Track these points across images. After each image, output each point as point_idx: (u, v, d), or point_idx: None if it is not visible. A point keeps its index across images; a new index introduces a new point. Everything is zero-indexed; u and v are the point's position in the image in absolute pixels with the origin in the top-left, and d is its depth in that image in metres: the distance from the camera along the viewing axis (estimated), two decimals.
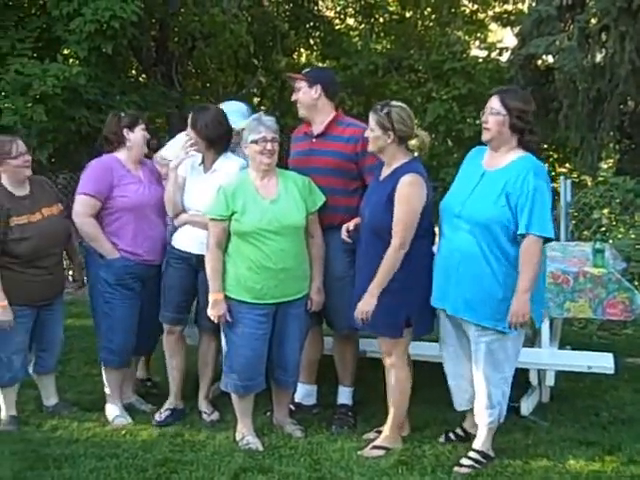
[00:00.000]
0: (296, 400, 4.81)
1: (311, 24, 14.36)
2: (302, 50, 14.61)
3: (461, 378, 4.16)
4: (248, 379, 4.26)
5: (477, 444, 4.08)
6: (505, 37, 14.85)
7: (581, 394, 5.11)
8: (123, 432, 4.51)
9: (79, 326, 6.61)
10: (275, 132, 4.23)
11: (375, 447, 4.22)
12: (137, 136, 4.65)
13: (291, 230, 4.19)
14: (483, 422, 4.04)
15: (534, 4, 11.47)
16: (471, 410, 4.18)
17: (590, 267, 4.84)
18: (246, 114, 4.85)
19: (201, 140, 4.49)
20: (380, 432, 4.32)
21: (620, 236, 8.09)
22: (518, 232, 3.77)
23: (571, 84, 10.36)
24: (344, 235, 4.29)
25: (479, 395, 4.00)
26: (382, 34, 14.87)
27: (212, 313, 4.21)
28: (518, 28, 11.89)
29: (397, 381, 4.20)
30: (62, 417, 4.73)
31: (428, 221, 4.09)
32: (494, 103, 3.90)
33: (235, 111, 4.84)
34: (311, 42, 15.00)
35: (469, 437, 4.27)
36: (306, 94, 4.48)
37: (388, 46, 14.49)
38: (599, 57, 10.42)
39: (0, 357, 4.55)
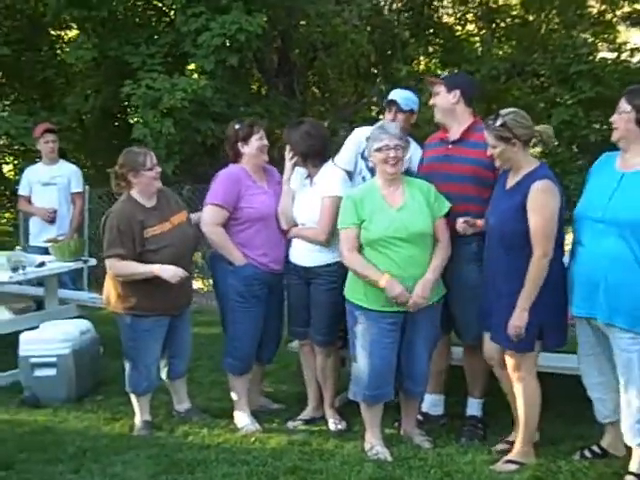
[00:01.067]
0: (423, 410, 4.75)
1: (431, 31, 14.22)
2: (421, 58, 14.46)
3: (606, 389, 4.01)
4: (376, 388, 4.23)
5: (634, 466, 3.86)
6: (633, 37, 14.26)
7: None
8: (252, 439, 4.56)
9: (206, 334, 6.75)
10: (400, 139, 4.19)
11: (508, 461, 4.09)
12: (251, 149, 4.68)
13: (419, 237, 4.16)
14: (636, 441, 3.84)
15: None
16: (613, 426, 4.00)
17: None
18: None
19: (297, 154, 4.56)
20: (509, 442, 4.21)
21: None
22: None
23: None
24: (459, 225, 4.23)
25: (629, 411, 3.80)
26: (504, 39, 14.53)
27: (394, 295, 4.09)
28: None
29: (526, 395, 4.07)
30: (193, 423, 4.83)
31: (560, 229, 3.96)
32: (621, 102, 3.87)
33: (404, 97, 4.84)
34: (430, 49, 14.85)
35: (606, 455, 4.10)
36: (444, 98, 4.44)
37: (510, 51, 14.14)
38: None
39: (139, 367, 4.69)
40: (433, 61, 15.03)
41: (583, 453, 4.20)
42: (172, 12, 10.89)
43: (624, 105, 3.83)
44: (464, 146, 4.37)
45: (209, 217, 4.67)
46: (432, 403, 4.77)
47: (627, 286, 3.72)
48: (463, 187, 4.31)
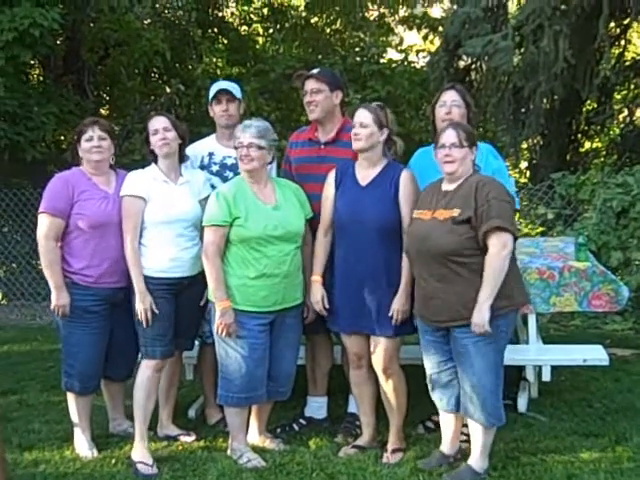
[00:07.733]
0: (307, 414, 4.65)
1: (216, 30, 14.10)
2: (212, 57, 14.24)
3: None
4: (252, 390, 4.08)
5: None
6: (408, 39, 15.02)
7: (566, 387, 5.15)
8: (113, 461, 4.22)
9: (19, 352, 6.21)
10: (259, 138, 4.04)
11: (394, 450, 4.15)
12: (82, 149, 4.34)
13: (293, 236, 4.11)
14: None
15: None
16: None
17: (574, 261, 4.88)
18: None
19: None
20: (358, 447, 4.24)
21: None
22: None
23: None
24: None
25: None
26: (289, 39, 14.70)
27: (221, 322, 3.99)
28: None
29: (399, 384, 4.14)
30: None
31: None
32: (454, 95, 4.20)
33: None
34: (217, 48, 14.71)
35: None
36: (328, 99, 4.32)
37: (297, 51, 14.32)
38: None
39: None
40: (220, 60, 14.89)
41: (426, 425, 4.47)
42: None
43: (459, 100, 4.13)
44: (336, 146, 4.31)
45: (39, 228, 4.25)
46: (316, 407, 4.65)
47: None
48: None
